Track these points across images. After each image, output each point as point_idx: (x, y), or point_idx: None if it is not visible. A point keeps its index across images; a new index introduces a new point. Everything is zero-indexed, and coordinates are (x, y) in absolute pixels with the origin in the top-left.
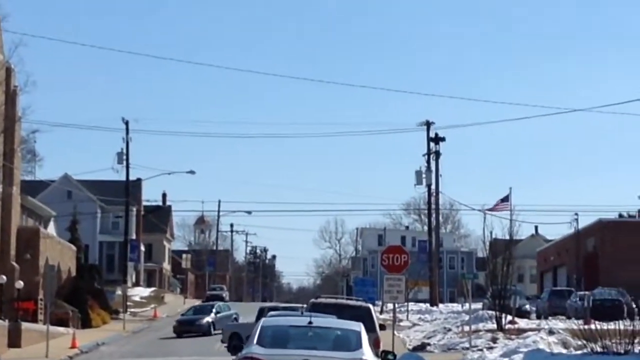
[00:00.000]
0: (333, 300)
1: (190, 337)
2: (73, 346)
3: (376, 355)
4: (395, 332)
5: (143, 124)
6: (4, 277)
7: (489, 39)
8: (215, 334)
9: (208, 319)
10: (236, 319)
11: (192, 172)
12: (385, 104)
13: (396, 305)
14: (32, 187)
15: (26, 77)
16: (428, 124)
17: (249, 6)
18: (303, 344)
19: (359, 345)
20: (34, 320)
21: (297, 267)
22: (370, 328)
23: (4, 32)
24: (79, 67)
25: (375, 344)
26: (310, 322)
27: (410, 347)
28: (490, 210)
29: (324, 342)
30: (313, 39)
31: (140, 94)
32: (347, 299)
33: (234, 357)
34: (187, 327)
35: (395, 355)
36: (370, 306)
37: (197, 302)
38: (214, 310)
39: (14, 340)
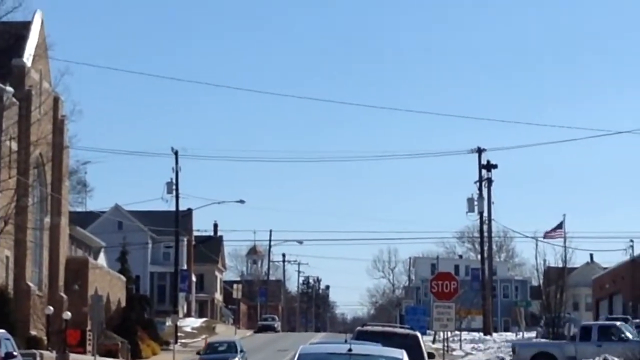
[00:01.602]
0: (380, 328)
1: None
2: None
3: None
4: None
5: (193, 153)
6: (51, 308)
7: (537, 59)
8: None
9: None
10: None
11: (241, 201)
12: (433, 129)
13: (448, 334)
14: (83, 218)
15: (72, 106)
16: (480, 151)
17: (297, 38)
18: None
19: None
20: (82, 351)
21: (350, 297)
22: (418, 357)
23: (50, 60)
24: (126, 94)
25: None
26: (349, 350)
27: None
28: (545, 237)
29: None
30: (360, 64)
31: (190, 122)
32: (395, 326)
33: None
34: None
35: None
36: (419, 334)
37: (249, 333)
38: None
39: None
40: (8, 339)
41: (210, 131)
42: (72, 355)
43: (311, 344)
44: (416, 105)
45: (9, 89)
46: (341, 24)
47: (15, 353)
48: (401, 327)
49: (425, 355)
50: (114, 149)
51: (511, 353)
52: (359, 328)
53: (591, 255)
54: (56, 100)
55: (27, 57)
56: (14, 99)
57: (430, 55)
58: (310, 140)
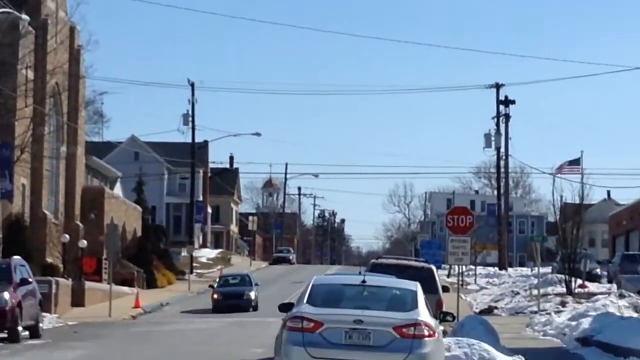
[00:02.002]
0: (394, 261)
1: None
2: (136, 306)
3: (435, 316)
4: (462, 296)
5: (210, 85)
6: (67, 236)
7: None
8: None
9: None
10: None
11: (257, 134)
12: (451, 64)
13: (464, 269)
14: (100, 149)
15: (88, 36)
16: (498, 86)
17: None
18: (355, 304)
19: (414, 306)
20: (98, 279)
21: (366, 231)
22: (432, 290)
23: None
24: (142, 26)
25: (437, 305)
26: (363, 281)
27: (477, 310)
28: (558, 170)
29: (378, 301)
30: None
31: (207, 54)
32: (410, 259)
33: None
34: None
35: (454, 317)
36: (433, 267)
37: (264, 264)
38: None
39: (78, 299)
40: (23, 266)
41: (227, 63)
42: (87, 283)
43: (325, 275)
44: (435, 40)
45: (25, 17)
46: None
47: (30, 279)
48: (416, 260)
49: (440, 288)
50: (130, 79)
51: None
52: (373, 260)
53: (608, 192)
54: (72, 29)
55: None
56: (30, 28)
57: None
58: (328, 74)
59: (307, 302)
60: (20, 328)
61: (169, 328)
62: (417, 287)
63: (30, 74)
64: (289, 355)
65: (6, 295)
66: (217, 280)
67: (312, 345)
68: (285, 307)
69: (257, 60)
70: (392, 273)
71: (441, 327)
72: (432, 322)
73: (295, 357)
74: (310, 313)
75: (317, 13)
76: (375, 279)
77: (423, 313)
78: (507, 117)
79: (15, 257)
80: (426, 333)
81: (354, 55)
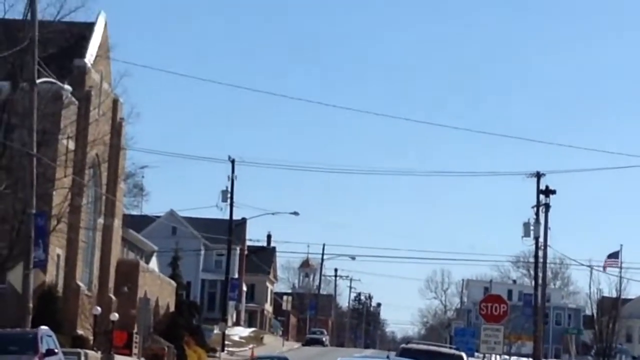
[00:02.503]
0: (424, 347)
1: None
2: None
3: None
4: None
5: (250, 161)
6: (99, 308)
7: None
8: None
9: None
10: None
11: (296, 213)
12: (490, 150)
13: (497, 358)
14: (137, 222)
15: (130, 108)
16: (539, 175)
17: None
18: None
19: None
20: (128, 353)
21: (401, 316)
22: None
23: (111, 62)
24: (184, 100)
25: None
26: None
27: None
28: (604, 267)
29: None
30: (419, 79)
31: (248, 131)
32: (440, 346)
33: None
34: None
35: None
36: (464, 355)
37: (297, 345)
38: None
39: None
40: (50, 336)
41: (268, 141)
42: (117, 357)
43: (352, 356)
44: (476, 125)
45: (68, 87)
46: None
47: (56, 350)
48: (445, 347)
49: None
50: (170, 152)
51: None
52: (402, 345)
53: None
54: (115, 101)
55: (89, 57)
56: (73, 99)
57: (493, 74)
58: (368, 156)
59: None
60: None
61: None
62: None
63: (71, 145)
64: None
65: None
66: None
67: None
68: None
69: (299, 139)
70: (421, 358)
71: None
72: None
73: None
74: None
75: (355, 92)
76: None
77: None
78: (547, 206)
79: (43, 327)
80: None
81: (396, 138)
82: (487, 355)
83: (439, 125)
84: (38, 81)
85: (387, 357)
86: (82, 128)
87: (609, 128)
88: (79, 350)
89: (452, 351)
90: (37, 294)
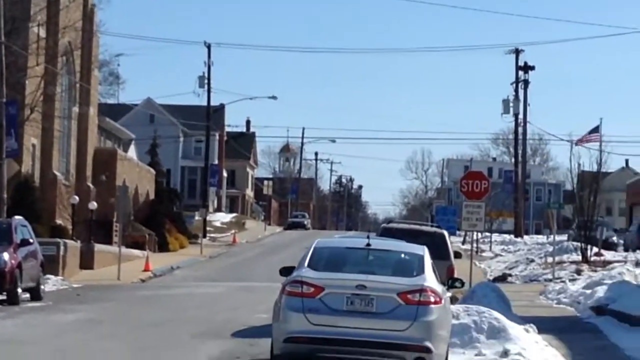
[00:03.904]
0: (405, 226)
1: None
2: (146, 269)
3: (444, 283)
4: (476, 263)
5: (226, 44)
6: (77, 197)
7: None
8: None
9: None
10: None
11: (274, 97)
12: (468, 25)
13: (479, 236)
14: (115, 111)
15: None
16: (517, 52)
17: None
18: (359, 268)
19: (421, 270)
20: (109, 242)
21: (383, 197)
22: (444, 256)
23: None
24: None
25: (449, 272)
26: (368, 245)
27: (491, 278)
28: (579, 142)
29: (383, 266)
30: None
31: (223, 14)
32: (421, 224)
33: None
34: None
35: (463, 283)
36: (445, 232)
37: (279, 229)
38: None
39: (87, 262)
40: (25, 226)
41: (244, 23)
42: (97, 245)
43: (332, 237)
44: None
45: None
46: None
47: (31, 240)
48: (427, 225)
49: (452, 253)
50: (144, 36)
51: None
52: (383, 225)
53: (627, 160)
54: None
55: None
56: None
57: None
58: (346, 35)
59: (308, 265)
60: (19, 290)
61: (175, 292)
62: (424, 251)
63: (42, 32)
64: (287, 322)
65: (5, 256)
66: None
67: (312, 311)
68: (286, 271)
69: (275, 20)
70: (402, 238)
71: (449, 294)
72: (439, 288)
73: (294, 324)
74: (311, 277)
75: None
76: (381, 243)
77: (430, 279)
78: (526, 83)
79: (17, 217)
80: (432, 300)
81: (373, 16)
82: (468, 232)
83: (416, 2)
84: None
85: (367, 237)
86: (52, 15)
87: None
88: (58, 240)
89: (434, 229)
90: (13, 184)
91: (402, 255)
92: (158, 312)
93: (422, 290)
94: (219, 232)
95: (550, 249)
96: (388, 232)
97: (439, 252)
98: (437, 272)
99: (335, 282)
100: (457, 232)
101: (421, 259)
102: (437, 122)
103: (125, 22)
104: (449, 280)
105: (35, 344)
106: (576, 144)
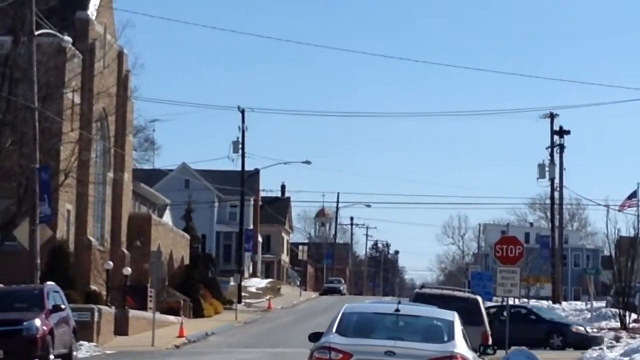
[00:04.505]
0: (438, 291)
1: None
2: (181, 335)
3: (476, 349)
4: None
5: (261, 110)
6: (111, 263)
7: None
8: None
9: None
10: None
11: (308, 162)
12: (503, 91)
13: (515, 301)
14: (150, 176)
15: (134, 59)
16: (552, 116)
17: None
18: (388, 334)
19: (451, 337)
20: (144, 307)
21: (419, 263)
22: (478, 322)
23: (114, 12)
24: (189, 49)
25: (483, 338)
26: (397, 310)
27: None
28: (619, 208)
29: (412, 332)
30: (430, 19)
31: (258, 79)
32: (455, 289)
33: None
34: None
35: (495, 350)
36: (479, 298)
37: (314, 295)
38: None
39: (122, 328)
40: (57, 292)
41: (278, 89)
42: (132, 311)
43: (362, 303)
44: (491, 66)
45: (68, 38)
46: None
47: (63, 306)
48: (461, 291)
49: (486, 319)
50: (178, 101)
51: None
52: (416, 290)
53: None
54: (120, 53)
55: (92, 9)
56: (76, 52)
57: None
58: (381, 100)
59: (337, 331)
60: (52, 357)
61: (208, 358)
62: (454, 317)
63: (77, 98)
64: None
65: (37, 322)
66: None
67: None
68: (315, 337)
69: (308, 85)
70: (435, 303)
71: None
72: (469, 355)
73: None
74: (339, 343)
75: (367, 36)
76: (410, 308)
77: (460, 345)
78: (562, 147)
79: (49, 282)
80: None
81: (410, 81)
82: (504, 298)
83: (447, 66)
84: (36, 33)
85: (399, 302)
86: (86, 81)
87: (621, 61)
88: (92, 306)
89: (467, 295)
90: (47, 250)
91: (432, 321)
92: None
93: (451, 357)
94: (254, 297)
95: (589, 315)
96: (420, 298)
97: (473, 318)
98: (470, 338)
99: (363, 348)
100: (494, 298)
101: (451, 324)
102: (473, 187)
103: (159, 88)
104: (480, 346)
105: None
106: (619, 210)
